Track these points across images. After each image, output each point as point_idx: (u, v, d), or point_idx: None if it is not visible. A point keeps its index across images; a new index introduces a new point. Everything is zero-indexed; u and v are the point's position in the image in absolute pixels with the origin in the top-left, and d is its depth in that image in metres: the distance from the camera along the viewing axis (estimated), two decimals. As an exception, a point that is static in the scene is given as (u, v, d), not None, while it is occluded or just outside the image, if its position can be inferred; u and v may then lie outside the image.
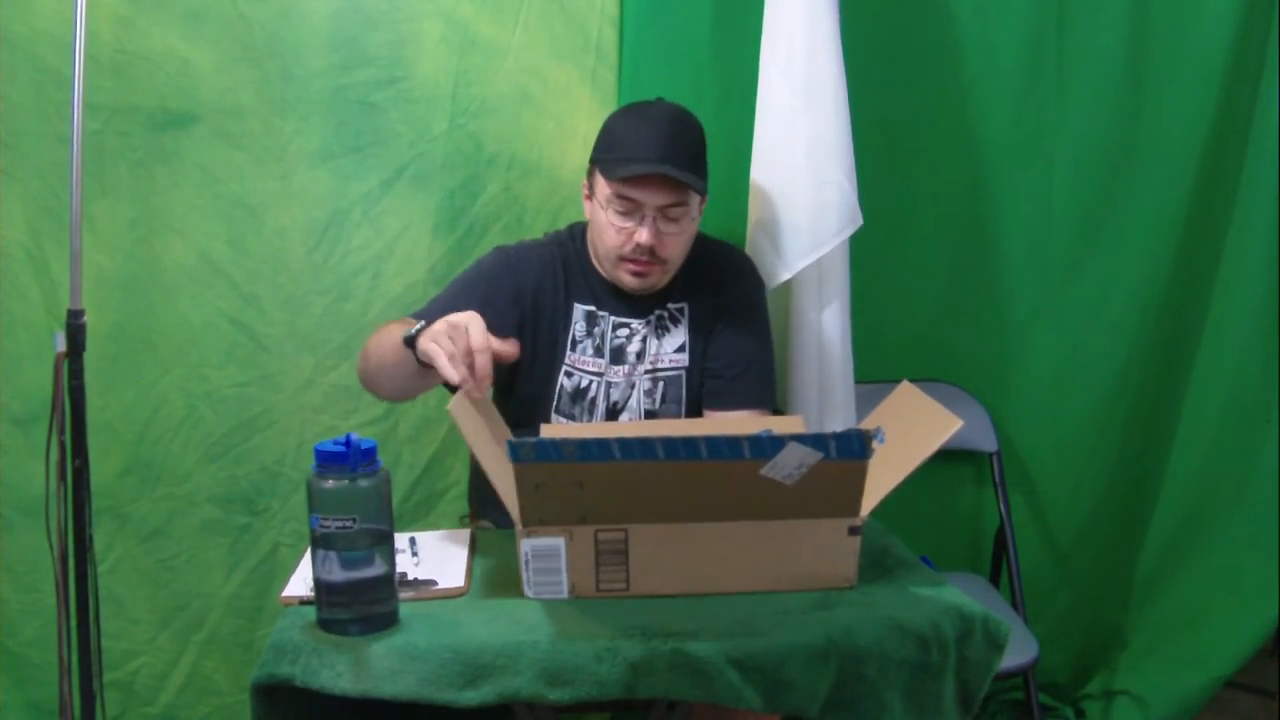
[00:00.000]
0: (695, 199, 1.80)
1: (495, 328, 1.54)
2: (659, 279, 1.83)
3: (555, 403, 1.87)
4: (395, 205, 2.11)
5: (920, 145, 2.28)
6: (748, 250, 2.04)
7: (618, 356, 1.87)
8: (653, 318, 1.88)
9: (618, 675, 1.25)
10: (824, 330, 2.01)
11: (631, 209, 1.77)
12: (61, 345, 1.75)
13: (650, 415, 1.86)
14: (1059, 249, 2.32)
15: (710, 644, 1.26)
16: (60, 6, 1.92)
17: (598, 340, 1.86)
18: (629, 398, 1.87)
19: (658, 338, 1.88)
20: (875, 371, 2.16)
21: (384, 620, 1.31)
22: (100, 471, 1.97)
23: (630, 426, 1.83)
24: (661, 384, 1.87)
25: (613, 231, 1.78)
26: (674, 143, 1.77)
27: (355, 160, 2.09)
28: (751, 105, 2.03)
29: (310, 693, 1.26)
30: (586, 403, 1.86)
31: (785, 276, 1.98)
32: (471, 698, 1.24)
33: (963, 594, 1.41)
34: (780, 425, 1.72)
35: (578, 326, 1.86)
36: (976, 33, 2.24)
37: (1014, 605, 2.31)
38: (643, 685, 1.25)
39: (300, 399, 2.11)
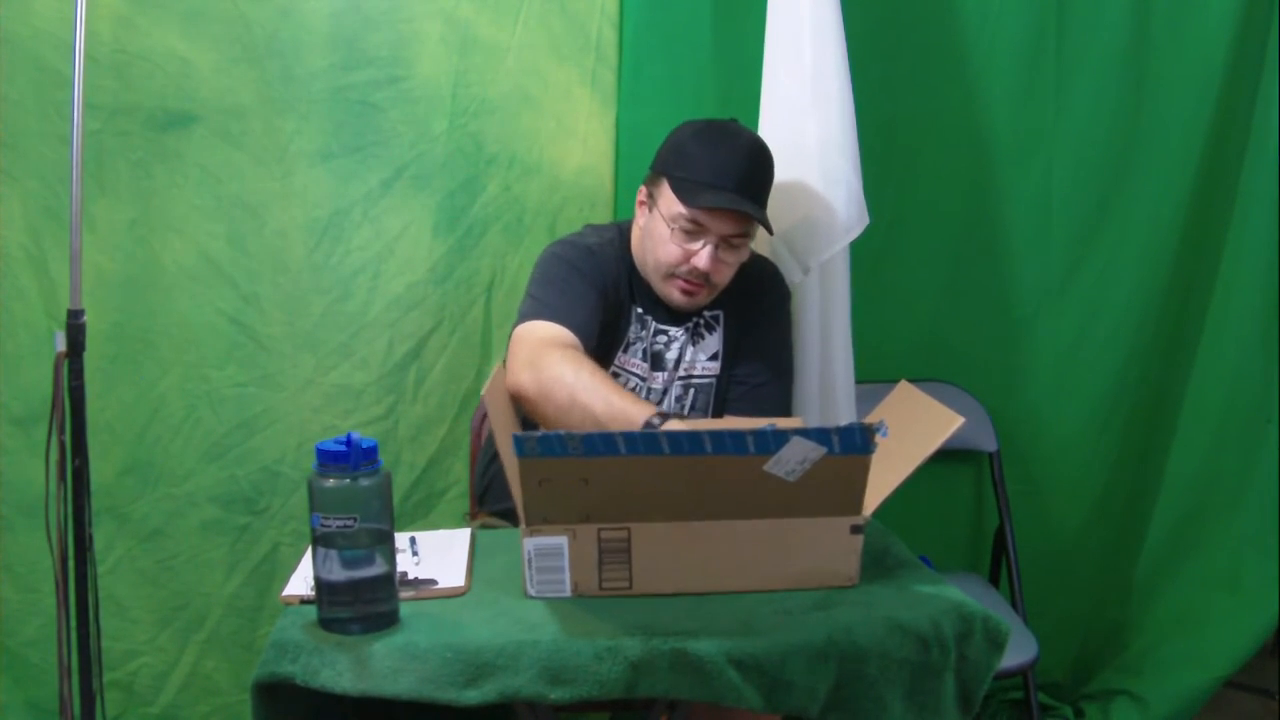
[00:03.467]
0: (758, 229, 1.80)
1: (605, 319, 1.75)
2: (705, 299, 1.84)
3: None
4: (395, 205, 2.11)
5: (920, 145, 2.28)
6: (758, 250, 2.04)
7: (658, 363, 1.87)
8: (690, 325, 1.89)
9: (618, 675, 1.25)
10: (824, 330, 2.01)
11: (697, 231, 1.76)
12: (61, 345, 1.75)
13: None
14: (1059, 249, 2.33)
15: (711, 643, 1.26)
16: (60, 6, 1.92)
17: (645, 343, 1.87)
18: (662, 404, 1.87)
19: (693, 345, 1.89)
20: (876, 371, 2.16)
21: (384, 619, 1.31)
22: (100, 471, 1.96)
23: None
24: (693, 391, 1.88)
25: (673, 248, 1.77)
26: (752, 176, 1.77)
27: (355, 160, 2.09)
28: (752, 105, 2.03)
29: (311, 692, 1.26)
30: None
31: (799, 279, 1.98)
32: (472, 697, 1.24)
33: (963, 594, 1.41)
34: (779, 424, 1.72)
35: (633, 328, 1.86)
36: (977, 32, 2.24)
37: (1014, 605, 2.31)
38: (643, 685, 1.25)
39: (300, 399, 2.11)
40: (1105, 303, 2.34)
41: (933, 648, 1.34)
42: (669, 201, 1.77)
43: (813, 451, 1.31)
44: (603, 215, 2.21)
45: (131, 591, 2.09)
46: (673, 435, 1.31)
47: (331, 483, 1.27)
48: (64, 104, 1.85)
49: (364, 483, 1.28)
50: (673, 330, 1.88)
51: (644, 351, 1.86)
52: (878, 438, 1.32)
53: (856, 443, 1.32)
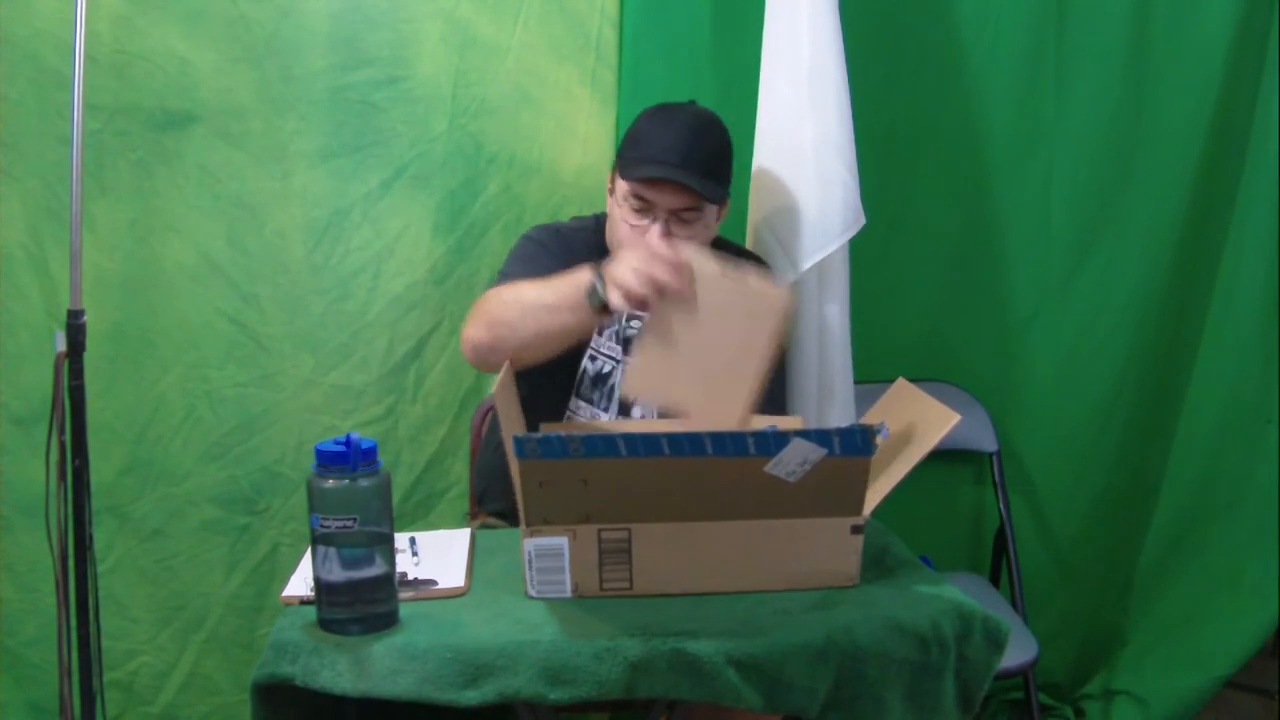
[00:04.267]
0: (711, 205, 1.80)
1: None
2: None
3: (577, 387, 1.87)
4: (395, 205, 2.11)
5: (920, 145, 2.28)
6: (752, 249, 2.04)
7: (627, 346, 1.87)
8: None
9: (618, 675, 1.25)
10: (824, 330, 2.01)
11: (645, 208, 1.78)
12: (61, 345, 1.75)
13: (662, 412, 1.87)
14: (1059, 249, 2.33)
15: (710, 644, 1.26)
16: (60, 6, 1.92)
17: (616, 327, 1.87)
18: None
19: None
20: (875, 372, 2.15)
21: (384, 620, 1.31)
22: (100, 471, 1.96)
23: (636, 424, 1.84)
24: None
25: (626, 228, 1.80)
26: (693, 148, 1.77)
27: (355, 160, 2.09)
28: (752, 105, 2.03)
29: (310, 692, 1.26)
30: (606, 389, 1.87)
31: (792, 278, 1.98)
32: (471, 697, 1.24)
33: (962, 594, 1.41)
34: (779, 425, 1.73)
35: None
36: (977, 33, 2.24)
37: (1014, 605, 2.31)
38: (643, 685, 1.25)
39: (300, 399, 2.11)
40: (1105, 303, 2.34)
41: (932, 648, 1.34)
42: (620, 182, 1.81)
43: (813, 453, 1.31)
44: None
45: (131, 591, 2.09)
46: (673, 436, 1.31)
47: (331, 483, 1.27)
48: (64, 104, 1.85)
49: (363, 483, 1.28)
50: (646, 315, 1.88)
51: (616, 333, 1.87)
52: (878, 439, 1.32)
53: (857, 444, 1.32)
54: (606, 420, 1.85)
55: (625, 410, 1.86)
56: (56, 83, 1.94)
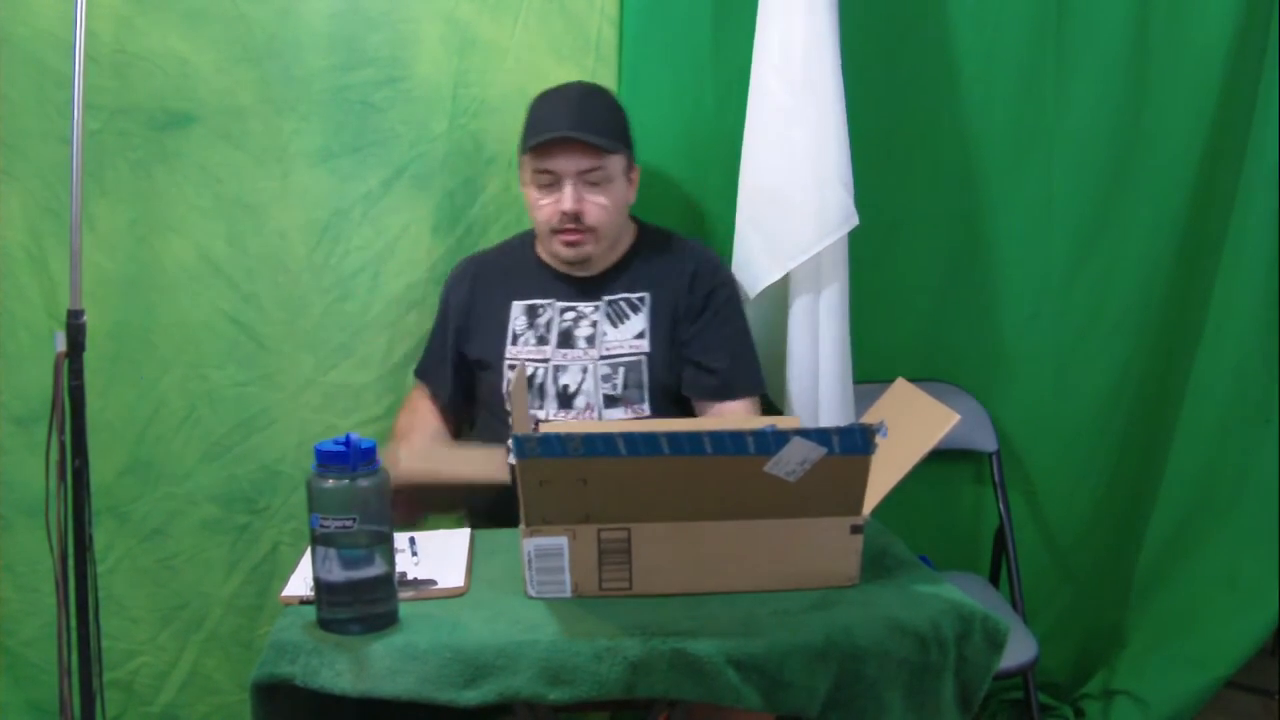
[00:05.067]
0: (616, 164, 1.87)
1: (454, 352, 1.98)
2: (593, 248, 1.89)
3: (506, 399, 1.91)
4: (395, 205, 2.11)
5: (920, 145, 2.28)
6: (736, 249, 2.05)
7: (566, 340, 1.91)
8: (603, 304, 1.92)
9: (617, 675, 1.25)
10: (823, 330, 2.01)
11: (552, 180, 1.85)
12: (61, 345, 1.75)
13: (612, 401, 1.89)
14: (1059, 249, 2.32)
15: (710, 644, 1.27)
16: (60, 6, 1.92)
17: (541, 330, 1.92)
18: (582, 382, 1.89)
19: (613, 325, 1.92)
20: (874, 372, 2.15)
21: (384, 620, 1.31)
22: (100, 471, 1.96)
23: (635, 424, 1.84)
24: (622, 370, 1.89)
25: (542, 205, 1.87)
26: (582, 110, 1.86)
27: (355, 160, 2.09)
28: (752, 105, 2.03)
29: (310, 692, 1.26)
30: (535, 390, 1.90)
31: (775, 277, 1.98)
32: (471, 697, 1.24)
33: (962, 593, 1.41)
34: (779, 425, 1.73)
35: (517, 322, 1.94)
36: (976, 32, 2.23)
37: (1013, 605, 2.31)
38: (642, 685, 1.25)
39: (300, 398, 2.11)
40: (1105, 303, 2.33)
41: (932, 648, 1.34)
42: (525, 166, 1.90)
43: (813, 452, 1.31)
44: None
45: (131, 591, 2.09)
46: (673, 435, 1.31)
47: (330, 483, 1.28)
48: (64, 104, 1.85)
49: (363, 483, 1.28)
50: (582, 307, 1.93)
51: (540, 336, 1.92)
52: (878, 438, 1.32)
53: (857, 443, 1.32)
54: (557, 420, 1.88)
55: (567, 403, 1.88)
56: (56, 83, 1.94)
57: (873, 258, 2.22)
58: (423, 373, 2.06)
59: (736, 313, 1.98)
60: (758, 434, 1.31)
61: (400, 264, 2.12)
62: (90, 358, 1.78)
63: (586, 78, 2.16)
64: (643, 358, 1.90)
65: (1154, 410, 2.40)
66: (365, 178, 2.10)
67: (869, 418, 1.56)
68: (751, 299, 2.03)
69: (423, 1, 2.08)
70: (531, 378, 1.89)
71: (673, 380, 1.92)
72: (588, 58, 2.17)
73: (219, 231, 2.06)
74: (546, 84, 2.15)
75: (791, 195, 1.96)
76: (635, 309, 1.92)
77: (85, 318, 1.76)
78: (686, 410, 1.96)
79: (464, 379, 2.01)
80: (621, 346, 1.90)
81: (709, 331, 1.93)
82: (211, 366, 2.08)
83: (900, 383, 1.60)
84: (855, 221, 1.97)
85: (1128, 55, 2.25)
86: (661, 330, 1.92)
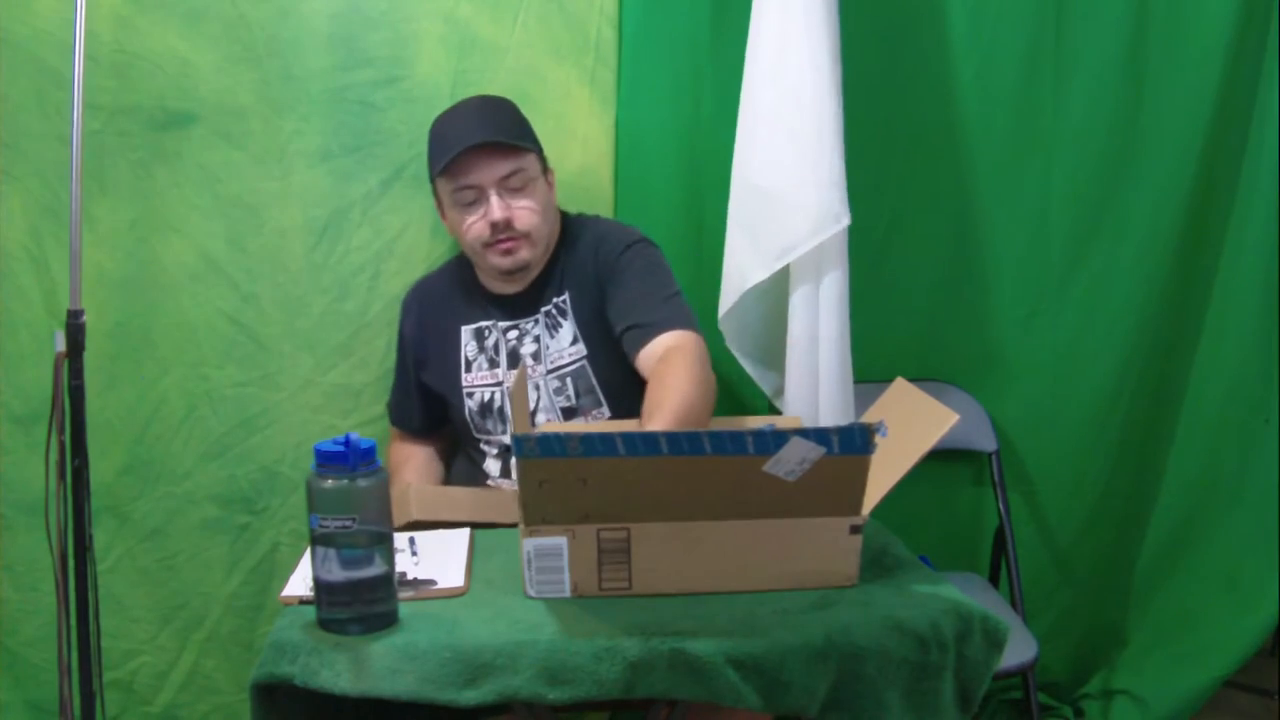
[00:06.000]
0: (533, 165, 1.85)
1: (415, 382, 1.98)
2: (529, 254, 1.87)
3: (471, 426, 1.92)
4: (395, 205, 2.11)
5: (918, 144, 2.28)
6: (726, 248, 2.04)
7: (514, 360, 1.90)
8: (541, 315, 1.91)
9: (617, 675, 1.25)
10: (822, 330, 2.01)
11: (475, 196, 1.83)
12: (61, 345, 1.75)
13: (570, 413, 1.88)
14: (1057, 248, 2.32)
15: (709, 643, 1.27)
16: (60, 6, 1.92)
17: (490, 353, 1.91)
18: (539, 400, 1.88)
19: (551, 335, 1.90)
20: (873, 371, 2.15)
21: (384, 620, 1.31)
22: (100, 471, 1.97)
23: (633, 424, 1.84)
24: (569, 380, 1.88)
25: (472, 224, 1.84)
26: (483, 118, 1.85)
27: (355, 160, 2.09)
28: (751, 105, 2.03)
29: (310, 692, 1.26)
30: (495, 415, 1.90)
31: (761, 276, 1.97)
32: (471, 697, 1.24)
33: (962, 593, 1.41)
34: (778, 425, 1.73)
35: (468, 348, 1.93)
36: (975, 32, 2.23)
37: (1013, 605, 2.31)
38: (642, 685, 1.25)
39: (300, 399, 2.11)
40: (1104, 303, 2.33)
41: (932, 647, 1.34)
42: (442, 191, 1.88)
43: (812, 452, 1.31)
44: (602, 214, 2.21)
45: (131, 590, 2.09)
46: (672, 435, 1.31)
47: (330, 483, 1.28)
48: (64, 104, 1.85)
49: (362, 483, 1.28)
50: (523, 323, 1.91)
51: (491, 359, 1.91)
52: (877, 438, 1.32)
53: (856, 443, 1.32)
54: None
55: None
56: (56, 83, 1.94)
57: (872, 257, 2.22)
58: (392, 413, 2.07)
59: (649, 270, 1.88)
60: (757, 434, 1.31)
61: (400, 264, 2.12)
62: (90, 358, 1.78)
63: (586, 78, 2.17)
64: (583, 362, 1.88)
65: (1153, 410, 2.40)
66: (365, 177, 2.10)
67: (868, 417, 1.56)
68: (737, 299, 2.02)
69: (422, 1, 2.08)
70: (490, 403, 1.89)
71: (624, 372, 1.86)
72: (587, 58, 2.17)
73: (219, 231, 2.06)
74: (546, 84, 2.16)
75: (781, 195, 1.94)
76: (564, 314, 1.90)
77: (85, 317, 1.76)
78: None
79: (432, 405, 2.01)
80: (562, 357, 1.89)
81: (621, 292, 1.85)
82: (211, 366, 2.08)
83: (899, 382, 1.60)
84: (846, 221, 1.95)
85: (1126, 55, 2.25)
86: (591, 327, 1.88)
